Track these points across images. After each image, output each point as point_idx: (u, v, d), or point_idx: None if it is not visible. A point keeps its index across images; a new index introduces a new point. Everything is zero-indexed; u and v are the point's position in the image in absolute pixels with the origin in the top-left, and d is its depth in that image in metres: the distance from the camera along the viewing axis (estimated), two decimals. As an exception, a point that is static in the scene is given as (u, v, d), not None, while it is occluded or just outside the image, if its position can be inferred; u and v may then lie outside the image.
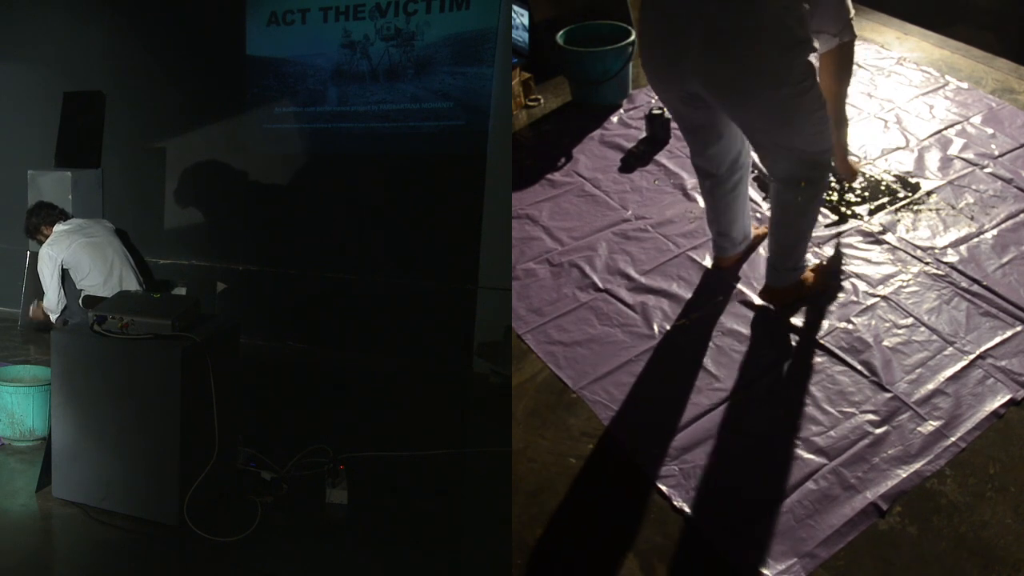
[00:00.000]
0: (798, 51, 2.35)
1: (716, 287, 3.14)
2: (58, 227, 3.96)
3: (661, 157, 3.98)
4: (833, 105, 2.70)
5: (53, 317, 4.02)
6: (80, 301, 3.91)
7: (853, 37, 2.67)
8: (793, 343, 2.87)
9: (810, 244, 2.98)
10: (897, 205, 3.50)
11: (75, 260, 3.88)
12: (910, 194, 3.56)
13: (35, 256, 4.52)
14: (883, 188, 3.62)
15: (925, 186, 3.61)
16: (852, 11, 2.62)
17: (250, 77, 5.05)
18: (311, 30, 4.86)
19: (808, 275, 3.01)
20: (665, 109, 4.08)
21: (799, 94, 2.43)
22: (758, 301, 3.03)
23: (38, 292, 4.47)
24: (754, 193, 3.54)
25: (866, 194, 3.57)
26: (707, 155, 2.88)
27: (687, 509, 2.34)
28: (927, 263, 3.17)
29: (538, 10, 4.73)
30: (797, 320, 2.94)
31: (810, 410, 2.61)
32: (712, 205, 3.07)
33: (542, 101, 4.59)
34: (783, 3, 2.30)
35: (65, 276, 3.97)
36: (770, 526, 2.27)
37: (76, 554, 2.59)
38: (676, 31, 2.42)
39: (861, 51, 4.78)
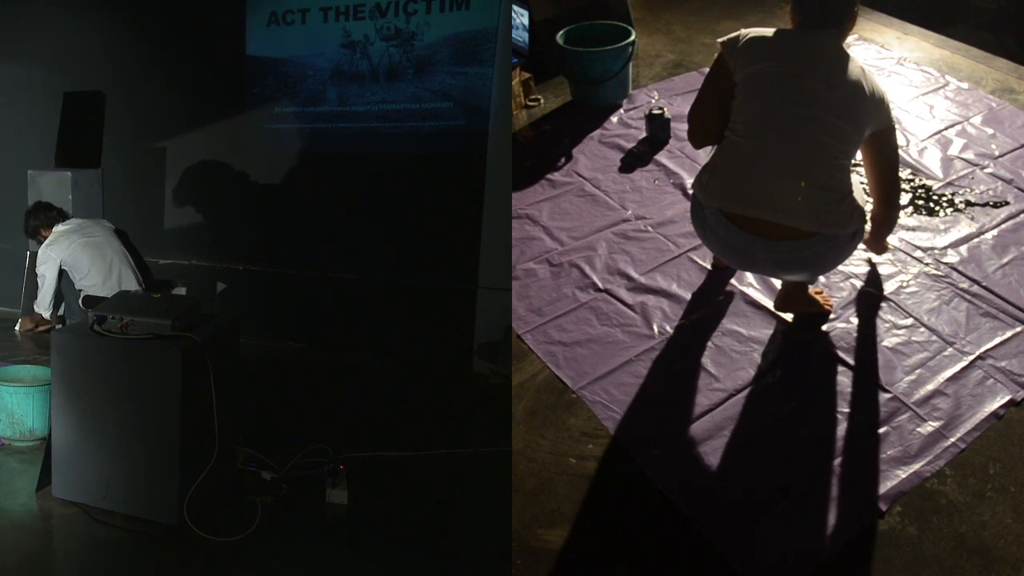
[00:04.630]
0: (857, 241, 2.63)
1: (716, 287, 3.14)
2: (58, 227, 3.97)
3: (661, 157, 3.98)
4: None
5: (46, 314, 4.01)
6: (80, 301, 3.91)
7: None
8: (793, 343, 2.87)
9: None
10: (897, 205, 3.50)
11: (74, 260, 3.88)
12: (911, 195, 3.57)
13: (35, 256, 4.53)
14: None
15: (925, 186, 3.61)
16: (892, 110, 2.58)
17: (250, 77, 5.04)
18: (311, 30, 4.86)
19: (824, 296, 2.99)
20: (665, 109, 4.09)
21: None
22: (759, 301, 3.03)
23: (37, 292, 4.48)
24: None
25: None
26: None
27: (686, 509, 2.34)
28: (927, 263, 3.17)
29: (538, 10, 4.73)
30: (797, 320, 2.94)
31: (810, 410, 2.61)
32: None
33: (542, 101, 4.59)
34: (852, 225, 2.53)
35: (64, 276, 3.97)
36: (769, 527, 2.27)
37: (76, 554, 2.58)
38: (740, 252, 2.62)
39: (861, 51, 4.80)
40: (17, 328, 4.37)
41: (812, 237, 2.51)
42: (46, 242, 3.96)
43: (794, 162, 2.48)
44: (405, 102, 4.68)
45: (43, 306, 4.00)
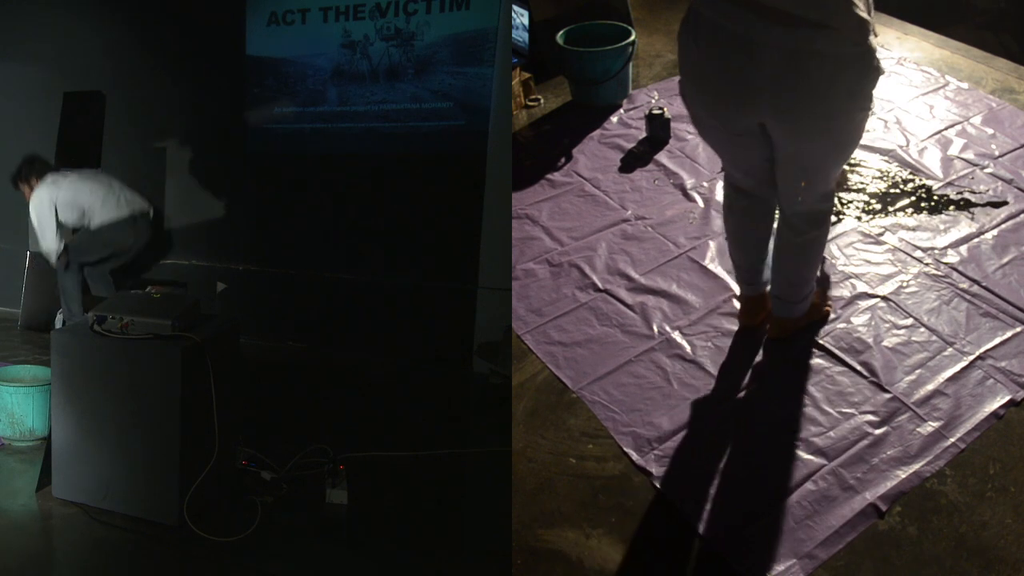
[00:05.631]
0: (874, 75, 2.26)
1: (716, 287, 3.14)
2: (48, 176, 4.01)
3: (661, 157, 3.98)
4: None
5: (52, 257, 4.00)
6: (80, 298, 3.93)
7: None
8: (793, 343, 2.86)
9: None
10: (898, 205, 3.50)
11: (73, 191, 3.94)
12: (911, 195, 3.57)
13: (35, 256, 4.53)
14: (884, 189, 3.62)
15: (925, 186, 3.61)
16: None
17: (250, 77, 5.04)
18: (311, 30, 4.86)
19: (815, 300, 2.88)
20: (665, 109, 4.09)
21: (864, 119, 2.37)
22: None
23: (38, 292, 4.48)
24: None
25: (866, 196, 3.58)
26: (749, 174, 2.63)
27: (686, 509, 2.34)
28: (927, 263, 3.17)
29: (538, 10, 4.73)
30: (797, 320, 2.94)
31: (809, 411, 2.61)
32: (745, 229, 2.78)
33: (542, 101, 4.59)
34: (864, 28, 2.16)
35: (67, 275, 3.97)
36: (769, 527, 2.27)
37: (76, 554, 2.58)
38: (742, 61, 2.23)
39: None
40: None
41: (817, 30, 2.14)
42: (40, 184, 3.99)
43: None
44: (405, 102, 4.68)
45: (50, 249, 3.99)
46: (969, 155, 3.78)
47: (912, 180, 3.65)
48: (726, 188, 2.76)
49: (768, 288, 2.88)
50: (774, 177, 2.55)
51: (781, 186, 2.55)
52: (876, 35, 2.21)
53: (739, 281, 2.92)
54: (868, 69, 2.22)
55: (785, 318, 2.83)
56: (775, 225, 2.74)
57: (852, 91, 2.25)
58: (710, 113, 2.45)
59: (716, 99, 2.38)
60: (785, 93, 2.23)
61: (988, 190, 3.54)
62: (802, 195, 2.53)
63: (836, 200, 3.06)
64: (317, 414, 3.59)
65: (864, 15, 2.16)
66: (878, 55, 2.20)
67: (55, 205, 3.92)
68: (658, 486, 2.42)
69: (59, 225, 3.96)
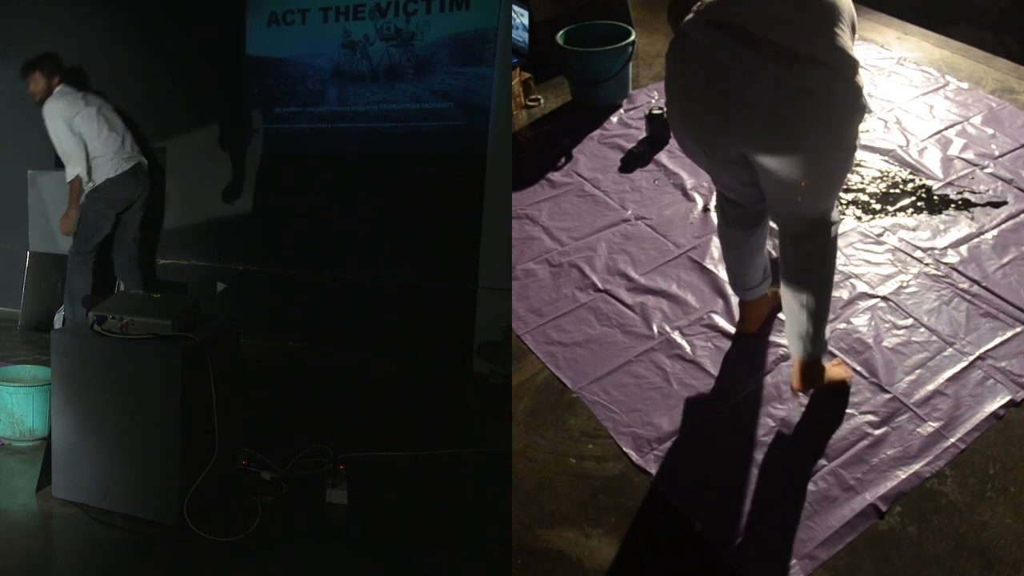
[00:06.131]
0: (860, 115, 2.23)
1: (715, 288, 3.14)
2: (60, 88, 4.06)
3: (661, 157, 3.98)
4: None
5: (84, 176, 4.00)
6: (81, 301, 3.91)
7: None
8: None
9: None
10: (898, 205, 3.50)
11: (88, 130, 3.99)
12: (911, 195, 3.57)
13: (35, 257, 4.53)
14: (884, 189, 3.62)
15: (925, 186, 3.61)
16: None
17: (250, 77, 5.04)
18: (311, 30, 4.85)
19: (834, 368, 2.72)
20: (665, 109, 4.09)
21: (850, 156, 2.34)
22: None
23: (38, 292, 4.48)
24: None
25: (866, 196, 3.58)
26: (737, 193, 2.60)
27: (686, 509, 2.34)
28: (927, 264, 3.17)
29: (538, 10, 4.73)
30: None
31: (809, 411, 2.61)
32: (739, 236, 2.73)
33: (542, 101, 4.60)
34: (853, 65, 2.16)
35: (64, 287, 3.97)
36: (769, 527, 2.28)
37: (76, 554, 2.59)
38: (728, 95, 2.20)
39: (861, 51, 4.79)
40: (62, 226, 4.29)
41: (805, 66, 2.12)
42: (53, 98, 4.03)
43: None
44: (405, 102, 4.67)
45: (80, 165, 4.01)
46: (969, 155, 3.78)
47: (912, 180, 3.65)
48: (718, 196, 2.74)
49: (764, 291, 2.86)
50: (758, 193, 2.51)
51: (771, 205, 2.50)
52: (859, 73, 2.17)
53: (735, 288, 2.89)
54: (855, 107, 2.19)
55: (808, 362, 2.57)
56: (769, 228, 2.72)
57: (836, 129, 2.22)
58: (694, 139, 2.43)
59: (700, 129, 2.37)
60: (769, 130, 2.21)
61: (988, 190, 3.55)
62: (802, 195, 2.51)
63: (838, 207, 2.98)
64: (317, 414, 3.59)
65: (852, 52, 2.16)
66: (865, 93, 2.18)
67: (70, 124, 3.96)
68: (658, 486, 2.42)
69: (82, 142, 4.00)
